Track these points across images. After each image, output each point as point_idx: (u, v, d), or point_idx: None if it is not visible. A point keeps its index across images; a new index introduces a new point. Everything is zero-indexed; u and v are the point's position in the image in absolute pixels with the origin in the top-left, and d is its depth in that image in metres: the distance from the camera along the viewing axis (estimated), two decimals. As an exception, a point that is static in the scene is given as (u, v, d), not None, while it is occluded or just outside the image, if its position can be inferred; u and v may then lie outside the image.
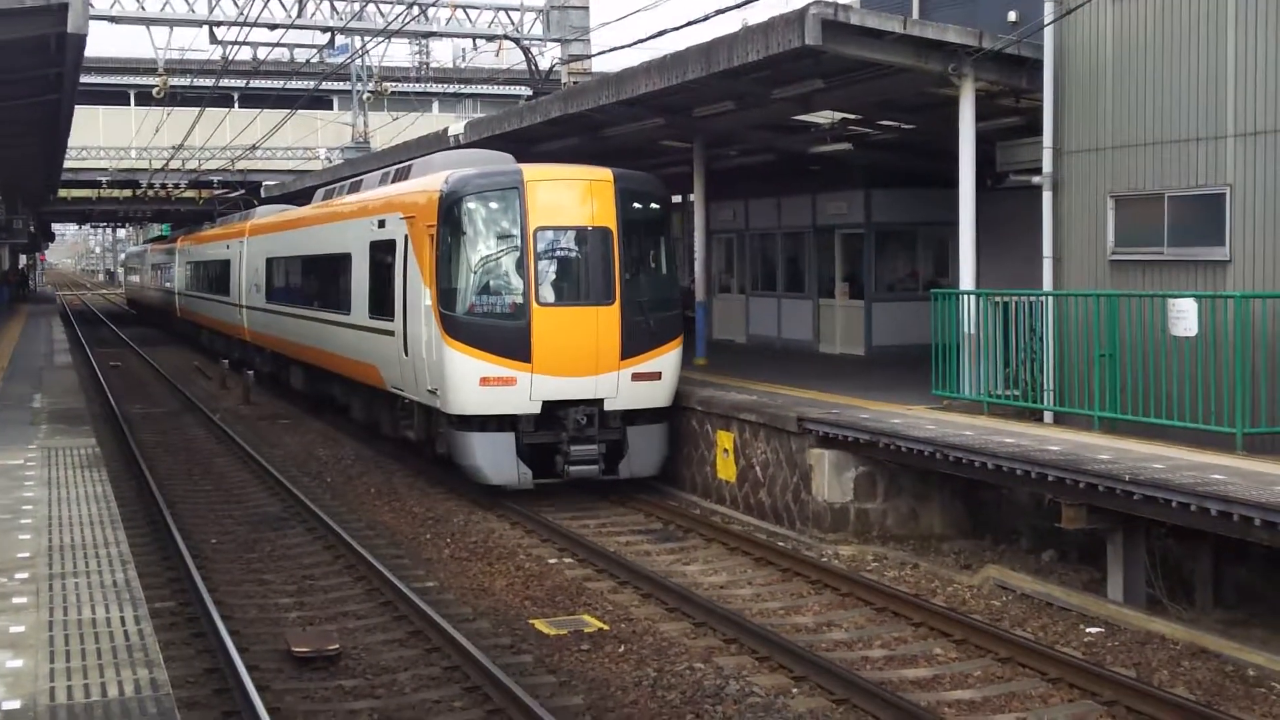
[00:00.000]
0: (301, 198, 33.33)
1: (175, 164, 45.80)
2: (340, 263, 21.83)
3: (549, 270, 16.46)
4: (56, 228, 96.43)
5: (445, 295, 16.41)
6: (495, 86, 55.73)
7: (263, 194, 43.12)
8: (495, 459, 16.12)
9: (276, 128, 38.12)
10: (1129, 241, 14.70)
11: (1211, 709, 9.16)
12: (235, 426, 24.22)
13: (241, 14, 30.71)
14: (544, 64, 34.11)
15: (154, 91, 35.92)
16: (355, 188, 23.48)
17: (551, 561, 13.80)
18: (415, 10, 33.43)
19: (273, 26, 31.94)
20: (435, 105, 57.23)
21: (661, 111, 20.27)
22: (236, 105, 48.22)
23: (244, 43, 31.83)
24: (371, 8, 33.51)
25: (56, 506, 10.90)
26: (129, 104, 52.90)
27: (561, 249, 16.55)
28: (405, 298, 17.66)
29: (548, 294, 16.37)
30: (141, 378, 35.49)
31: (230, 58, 31.73)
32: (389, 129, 43.72)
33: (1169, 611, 11.52)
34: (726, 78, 16.89)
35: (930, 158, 21.08)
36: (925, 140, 20.85)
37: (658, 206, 17.53)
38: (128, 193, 53.01)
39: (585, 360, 16.28)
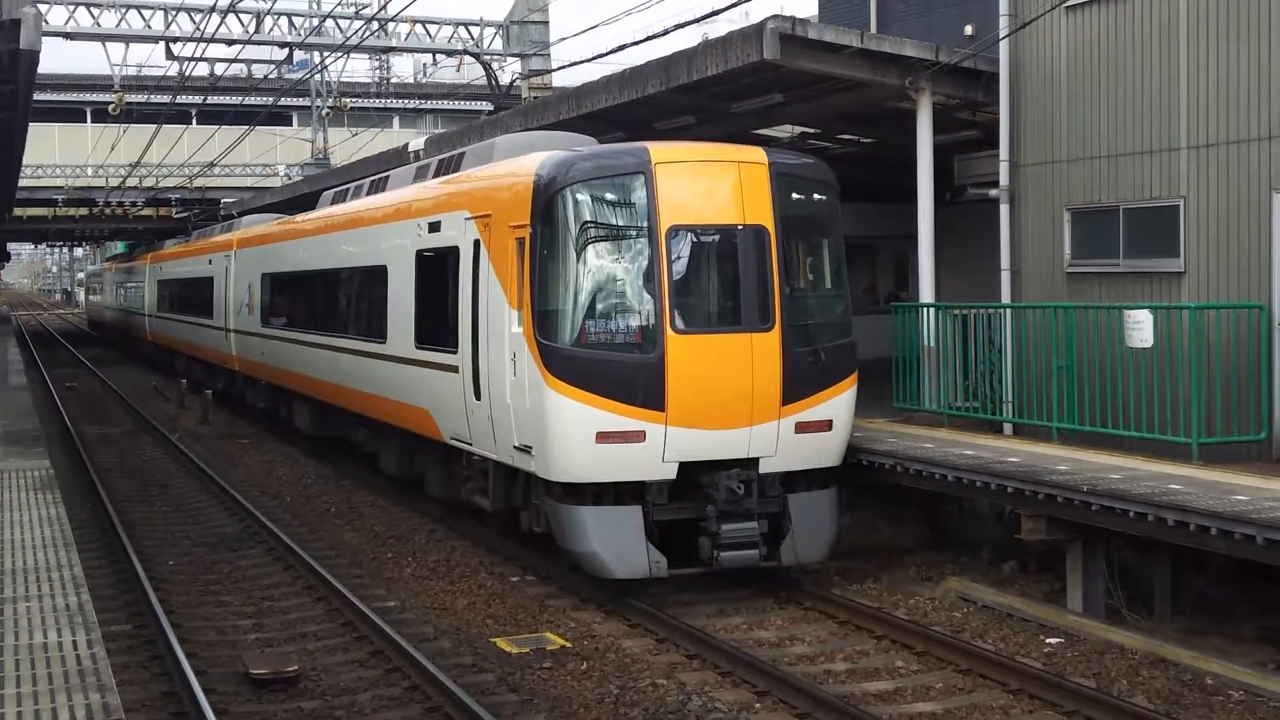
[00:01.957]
0: (289, 207, 30.80)
1: (132, 181, 45.45)
2: (369, 278, 17.95)
3: (687, 284, 12.34)
4: (12, 247, 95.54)
5: (545, 320, 12.14)
6: (456, 102, 55.68)
7: (221, 211, 42.83)
8: (617, 543, 11.98)
9: (235, 144, 37.92)
10: (1085, 253, 14.81)
11: (1170, 718, 9.21)
12: (194, 446, 24.00)
13: (198, 29, 30.52)
14: (504, 79, 34.13)
15: (110, 108, 35.67)
16: (378, 187, 19.47)
17: (514, 579, 13.73)
18: (374, 25, 33.35)
19: (230, 42, 31.74)
20: (396, 121, 57.10)
21: (622, 126, 20.28)
22: (194, 122, 47.95)
23: (201, 59, 31.63)
24: (330, 23, 33.40)
25: (7, 530, 10.77)
26: (85, 121, 52.54)
27: (703, 255, 12.48)
28: (476, 323, 13.53)
29: (686, 317, 12.12)
30: (98, 398, 35.14)
31: (187, 74, 31.53)
32: (349, 145, 43.57)
33: (1128, 621, 11.58)
34: (686, 92, 16.91)
35: (889, 171, 21.17)
36: (884, 154, 20.94)
37: (824, 198, 13.34)
38: (84, 211, 52.55)
39: (736, 406, 12.16)
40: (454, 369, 14.28)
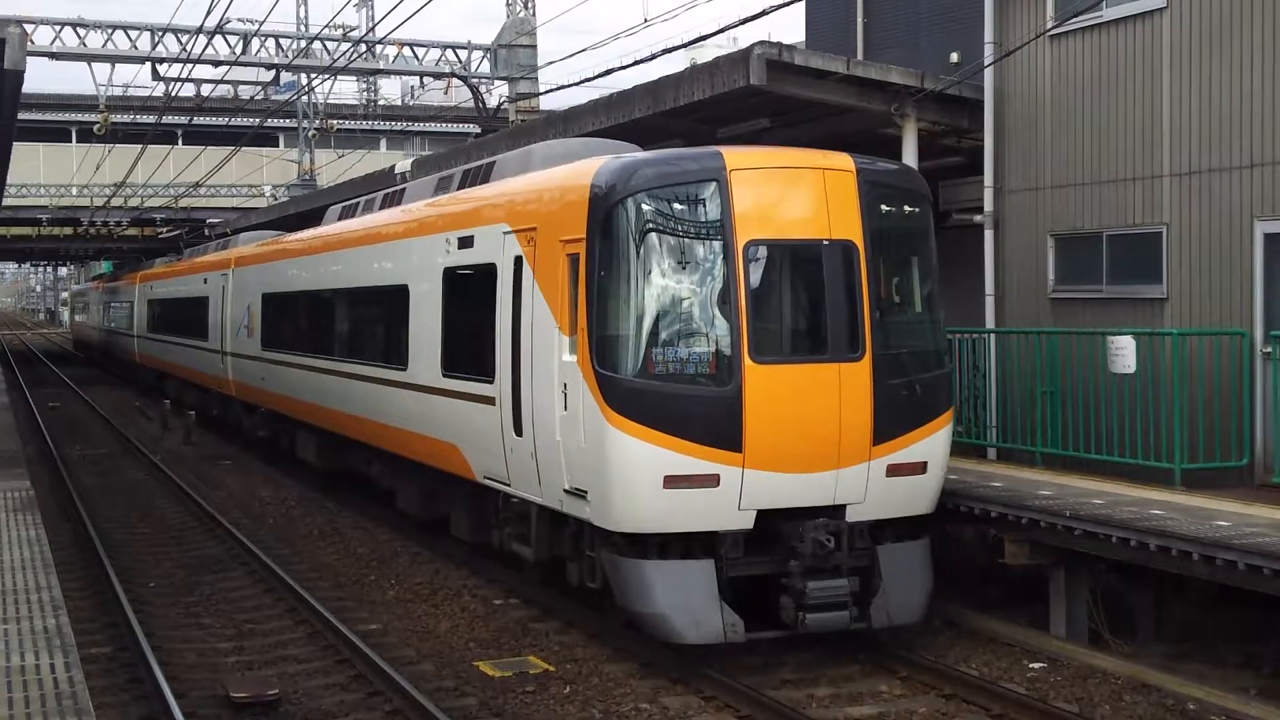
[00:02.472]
0: (290, 224, 29.36)
1: (117, 201, 45.39)
2: (387, 298, 16.41)
3: (767, 307, 10.99)
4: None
5: (605, 347, 10.76)
6: (443, 124, 55.77)
7: (207, 230, 42.74)
8: (688, 603, 10.57)
9: (221, 165, 37.92)
10: (1069, 279, 14.88)
11: (1154, 745, 9.19)
12: (176, 468, 23.90)
13: (185, 50, 30.57)
14: (492, 102, 34.23)
15: (95, 128, 35.68)
16: (394, 201, 18.03)
17: (497, 602, 13.68)
18: (362, 48, 33.44)
19: (216, 63, 31.80)
20: (383, 143, 57.20)
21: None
22: (180, 142, 47.95)
23: (187, 79, 31.67)
24: (317, 45, 33.47)
25: (-12, 551, 10.69)
26: (71, 141, 52.49)
27: (785, 274, 11.15)
28: (518, 349, 12.19)
29: (766, 344, 10.78)
30: (81, 419, 35.00)
31: (173, 94, 31.55)
32: (335, 166, 43.59)
33: (1111, 646, 11.58)
34: (673, 116, 16.95)
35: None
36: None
37: (916, 210, 11.99)
38: (69, 230, 52.47)
39: (821, 446, 10.79)
40: (489, 400, 12.85)
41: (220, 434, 29.03)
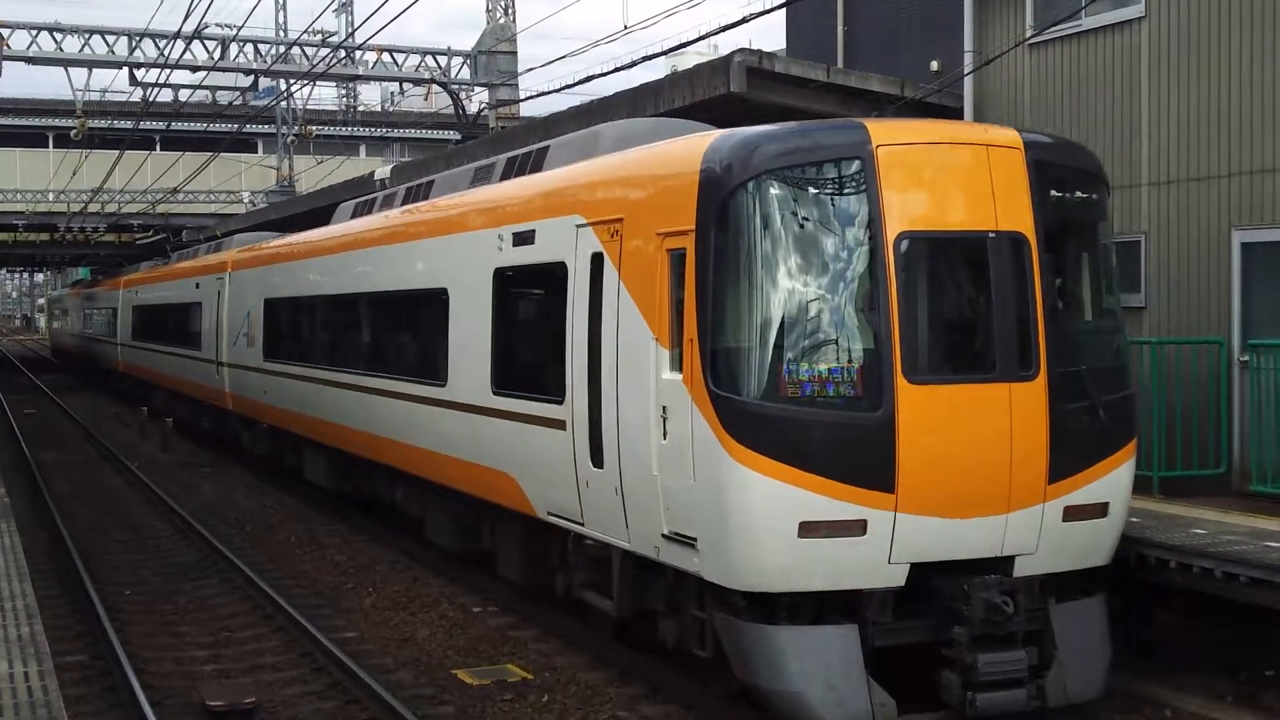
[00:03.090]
0: (292, 225, 27.33)
1: (94, 207, 45.19)
2: (421, 304, 14.66)
3: (925, 315, 9.11)
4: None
5: (724, 362, 8.93)
6: (423, 130, 55.71)
7: (184, 238, 42.58)
8: (828, 678, 8.74)
9: (199, 170, 37.77)
10: (1048, 287, 14.90)
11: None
12: (153, 475, 23.76)
13: (162, 55, 30.43)
14: (472, 108, 34.19)
15: (72, 133, 35.46)
16: (418, 195, 16.24)
17: (476, 610, 13.63)
18: (341, 53, 33.37)
19: (194, 69, 31.70)
20: (362, 149, 57.08)
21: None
22: (158, 148, 47.76)
23: (165, 84, 31.53)
24: (296, 50, 33.38)
25: (-39, 559, 10.60)
26: (47, 146, 52.24)
27: (945, 275, 9.35)
28: (597, 364, 10.31)
29: (924, 360, 8.98)
30: (57, 425, 34.78)
31: (151, 99, 31.41)
32: (314, 172, 43.49)
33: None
34: (652, 124, 16.93)
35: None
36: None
37: (1092, 195, 10.00)
38: (45, 236, 52.20)
39: (988, 483, 8.95)
40: (557, 424, 10.98)
41: (197, 441, 28.88)
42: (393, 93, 55.79)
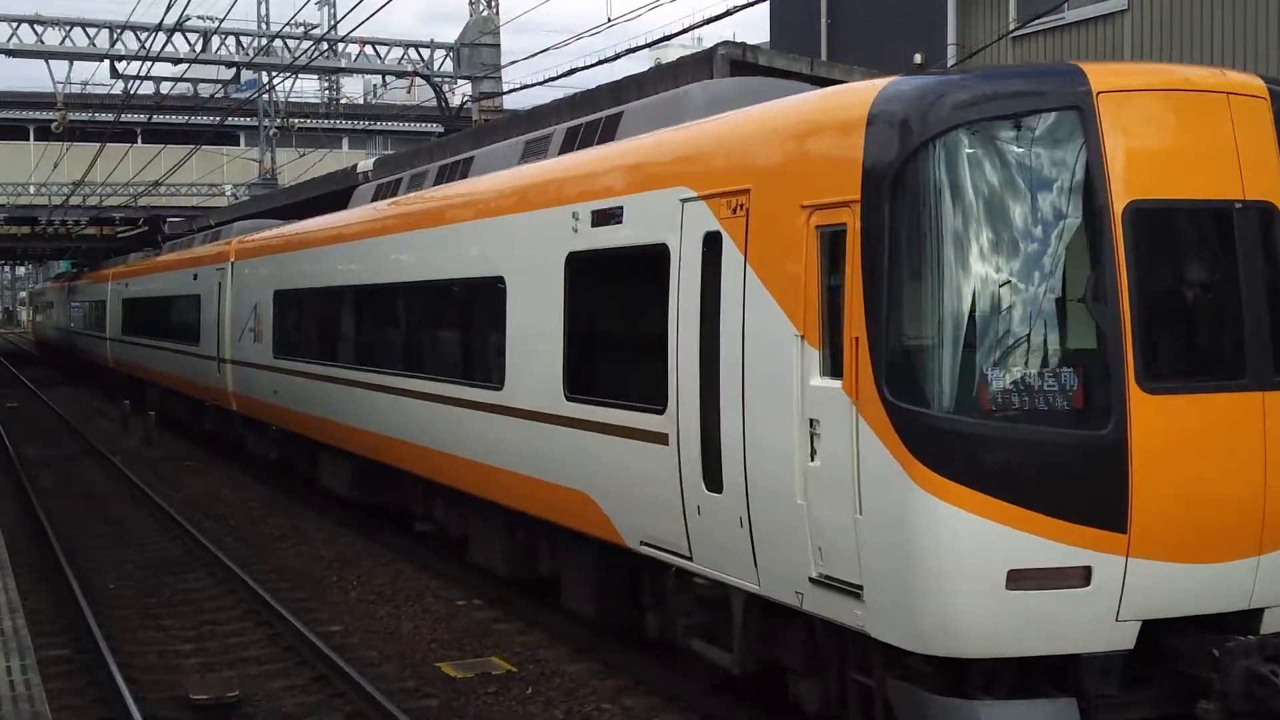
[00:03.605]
0: (300, 211, 24.57)
1: (76, 200, 45.03)
2: (469, 295, 12.92)
3: (1162, 307, 7.33)
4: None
5: (905, 366, 7.21)
6: (406, 124, 55.60)
7: (167, 229, 42.42)
8: None
9: (181, 163, 37.65)
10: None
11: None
12: (136, 468, 23.70)
13: (144, 48, 30.32)
14: (455, 101, 34.13)
15: (53, 126, 35.34)
16: (454, 173, 14.54)
17: (460, 603, 13.63)
18: (324, 46, 33.27)
19: (176, 61, 31.59)
20: (345, 142, 56.96)
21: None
22: (139, 140, 47.59)
23: (147, 77, 31.42)
24: (278, 43, 33.27)
25: (-59, 553, 10.57)
26: (28, 139, 52.02)
27: (1183, 256, 7.50)
28: (711, 366, 8.59)
29: (1161, 363, 7.23)
30: (39, 419, 34.66)
31: (132, 92, 31.29)
32: (297, 165, 43.39)
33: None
34: (635, 116, 16.90)
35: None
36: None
37: None
38: (26, 229, 51.99)
39: (1235, 519, 7.23)
40: (656, 438, 9.26)
41: (180, 435, 28.80)
42: (375, 85, 55.70)
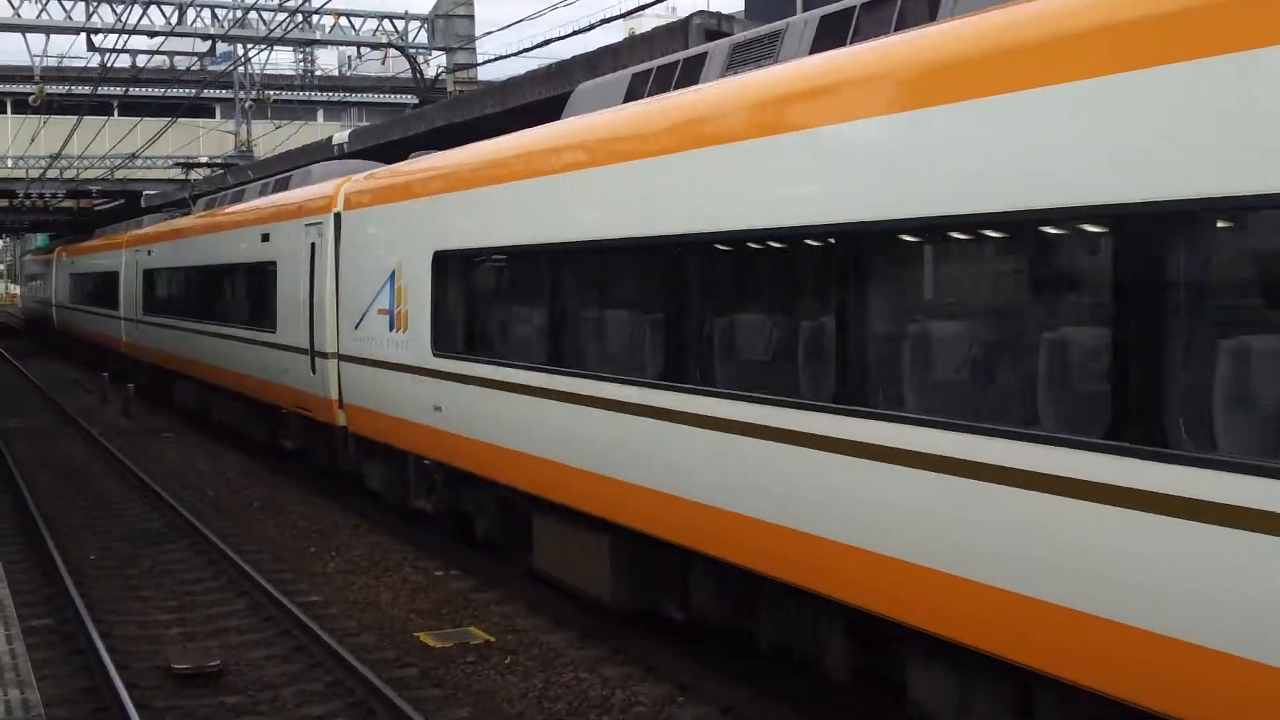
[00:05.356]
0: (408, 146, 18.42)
1: (53, 173, 44.80)
2: (727, 264, 8.82)
3: None
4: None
5: None
6: (381, 95, 55.37)
7: (143, 203, 42.23)
8: None
9: (157, 136, 37.49)
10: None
11: None
12: (116, 441, 23.75)
13: (120, 20, 30.17)
14: (429, 72, 34.05)
15: (30, 99, 35.13)
16: (687, 75, 10.08)
17: (438, 574, 13.78)
18: (298, 18, 33.14)
19: (152, 34, 31.42)
20: (320, 114, 56.69)
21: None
22: (116, 113, 47.33)
23: (123, 50, 31.29)
24: (253, 15, 33.13)
25: (-75, 526, 10.66)
26: (4, 112, 51.69)
27: None
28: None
29: None
30: (18, 391, 34.61)
31: (109, 65, 31.15)
32: (272, 137, 43.21)
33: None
34: (611, 89, 16.93)
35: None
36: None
37: None
38: (4, 203, 51.71)
39: None
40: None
41: (160, 407, 28.82)
42: (350, 57, 55.42)
